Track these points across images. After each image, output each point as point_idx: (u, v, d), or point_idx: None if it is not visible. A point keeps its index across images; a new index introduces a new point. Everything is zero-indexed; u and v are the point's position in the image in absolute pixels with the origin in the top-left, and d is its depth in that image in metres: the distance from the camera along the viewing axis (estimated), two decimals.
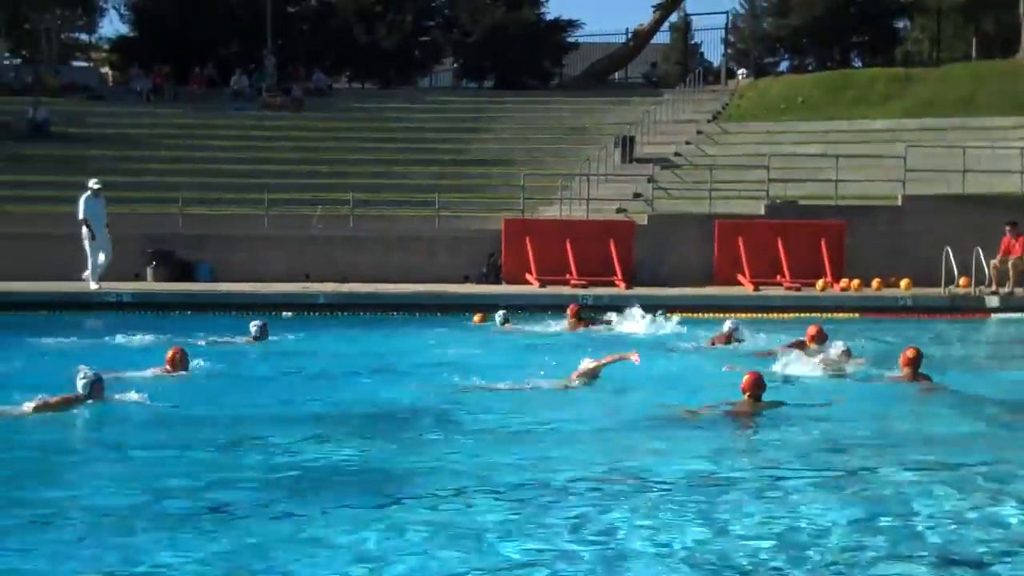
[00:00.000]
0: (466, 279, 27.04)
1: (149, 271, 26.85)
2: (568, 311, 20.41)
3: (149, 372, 14.06)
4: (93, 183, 24.83)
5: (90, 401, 11.95)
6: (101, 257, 24.45)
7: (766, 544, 7.76)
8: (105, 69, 49.38)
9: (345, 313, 22.78)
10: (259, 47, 42.23)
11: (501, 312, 20.60)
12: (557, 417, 12.33)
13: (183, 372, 14.20)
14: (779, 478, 9.63)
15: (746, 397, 11.99)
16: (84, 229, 24.36)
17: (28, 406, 11.64)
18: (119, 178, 30.11)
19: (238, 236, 27.60)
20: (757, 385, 12.00)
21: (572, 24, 48.07)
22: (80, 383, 11.95)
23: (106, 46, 52.28)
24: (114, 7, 51.70)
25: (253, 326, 17.86)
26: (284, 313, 21.90)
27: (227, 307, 22.63)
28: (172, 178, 30.38)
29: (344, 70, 47.01)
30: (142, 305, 23.02)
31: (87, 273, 24.36)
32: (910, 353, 13.75)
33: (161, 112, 36.94)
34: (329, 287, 24.87)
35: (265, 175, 30.96)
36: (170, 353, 14.35)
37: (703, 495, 8.99)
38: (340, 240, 27.96)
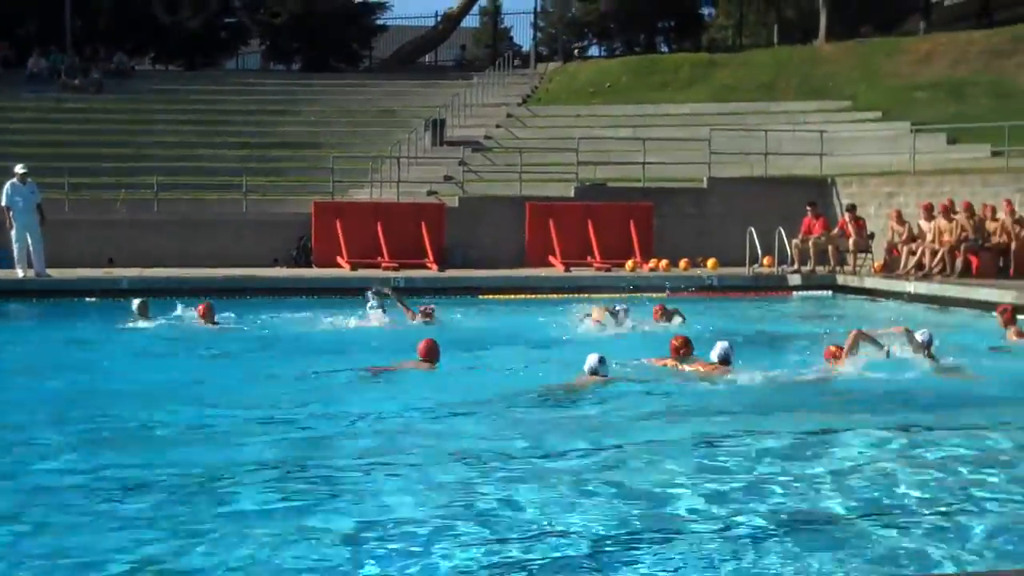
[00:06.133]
0: (276, 262, 26.56)
1: None
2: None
3: None
4: (19, 168, 23.49)
5: None
6: (30, 243, 22.92)
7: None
8: None
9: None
10: (58, 27, 40.82)
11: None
12: None
13: None
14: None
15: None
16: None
17: None
18: None
19: None
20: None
21: (381, 6, 47.89)
22: None
23: None
24: None
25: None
26: (87, 298, 21.25)
27: (23, 294, 21.93)
28: None
29: (147, 52, 45.83)
30: None
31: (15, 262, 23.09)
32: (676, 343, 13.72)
33: None
34: (133, 272, 24.13)
35: (65, 159, 29.84)
36: None
37: None
38: (144, 224, 27.16)
